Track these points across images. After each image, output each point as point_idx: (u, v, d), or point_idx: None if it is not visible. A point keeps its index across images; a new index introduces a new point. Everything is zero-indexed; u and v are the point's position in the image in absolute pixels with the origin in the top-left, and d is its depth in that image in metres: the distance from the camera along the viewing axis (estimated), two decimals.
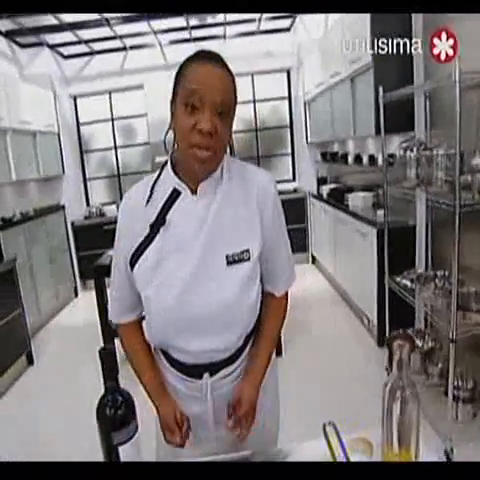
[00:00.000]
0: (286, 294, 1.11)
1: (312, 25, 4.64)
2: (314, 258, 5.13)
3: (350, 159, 4.10)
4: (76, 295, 5.13)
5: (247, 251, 0.93)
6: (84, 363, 2.97)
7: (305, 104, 5.17)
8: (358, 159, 3.87)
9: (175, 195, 0.94)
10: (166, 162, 0.98)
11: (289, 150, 5.67)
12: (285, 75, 5.55)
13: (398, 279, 2.38)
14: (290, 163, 5.69)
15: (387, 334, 2.53)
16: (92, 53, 5.16)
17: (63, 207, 5.06)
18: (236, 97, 0.90)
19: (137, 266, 0.94)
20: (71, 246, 5.15)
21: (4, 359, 2.99)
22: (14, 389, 3.01)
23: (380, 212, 2.98)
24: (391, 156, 2.78)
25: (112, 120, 5.59)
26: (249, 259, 0.93)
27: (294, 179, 5.65)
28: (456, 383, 1.78)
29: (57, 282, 4.58)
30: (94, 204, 5.58)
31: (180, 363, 1.00)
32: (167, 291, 0.92)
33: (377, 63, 2.89)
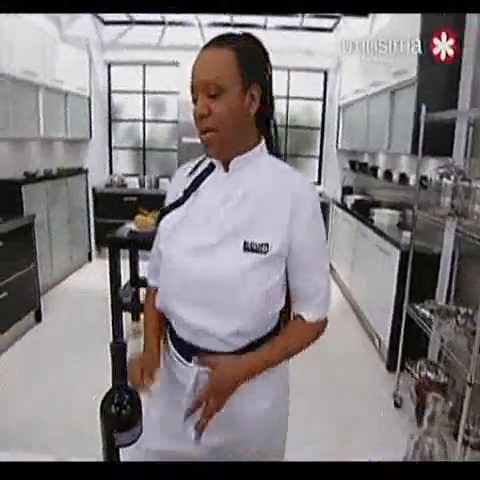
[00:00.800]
0: (322, 324, 1.01)
1: (356, 29, 4.53)
2: (330, 266, 5.09)
3: (380, 173, 4.03)
4: (90, 260, 5.20)
5: (266, 245, 0.90)
6: (90, 327, 3.01)
7: (339, 108, 5.09)
8: (388, 175, 3.80)
9: (210, 168, 0.99)
10: None
11: (317, 153, 5.60)
12: (322, 76, 5.45)
13: (417, 307, 2.34)
14: (317, 166, 5.63)
15: (399, 359, 2.50)
16: (131, 22, 5.11)
17: (86, 171, 5.07)
18: (245, 73, 0.88)
19: (162, 222, 1.00)
20: (90, 211, 5.20)
21: (13, 313, 3.04)
22: (19, 344, 3.08)
23: (406, 233, 2.93)
24: (424, 178, 2.72)
25: (143, 93, 5.58)
26: (266, 252, 0.90)
27: (319, 183, 5.59)
28: (467, 427, 1.75)
29: (72, 245, 4.64)
30: (117, 173, 5.59)
31: (178, 339, 1.00)
32: (179, 250, 0.95)
33: (422, 79, 2.83)
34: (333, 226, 4.97)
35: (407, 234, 2.90)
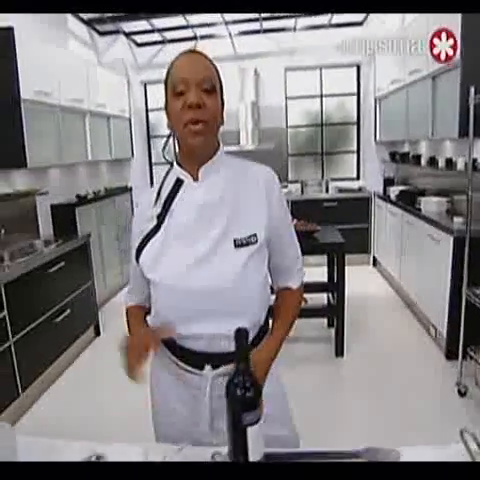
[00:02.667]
0: (301, 287, 1.12)
1: (388, 18, 4.47)
2: (374, 260, 5.02)
3: (423, 161, 3.95)
4: None
5: (254, 235, 0.96)
6: None
7: (376, 101, 5.02)
8: (432, 161, 3.71)
9: (178, 185, 1.00)
10: (171, 166, 1.04)
11: (355, 148, 5.54)
12: (355, 70, 5.41)
13: (478, 291, 2.28)
14: (355, 161, 5.56)
15: (460, 347, 2.43)
16: (164, 42, 5.25)
17: (130, 189, 5.27)
18: (221, 82, 0.97)
19: (143, 254, 1.00)
20: None
21: (76, 328, 3.19)
22: (82, 356, 3.22)
23: (457, 219, 2.86)
24: (474, 161, 2.66)
25: None
26: (256, 242, 0.96)
27: (358, 178, 5.51)
28: None
29: (122, 260, 4.78)
30: None
31: (183, 349, 1.00)
32: (172, 273, 0.96)
33: (466, 62, 2.77)
34: (376, 219, 4.88)
35: (459, 220, 2.83)
